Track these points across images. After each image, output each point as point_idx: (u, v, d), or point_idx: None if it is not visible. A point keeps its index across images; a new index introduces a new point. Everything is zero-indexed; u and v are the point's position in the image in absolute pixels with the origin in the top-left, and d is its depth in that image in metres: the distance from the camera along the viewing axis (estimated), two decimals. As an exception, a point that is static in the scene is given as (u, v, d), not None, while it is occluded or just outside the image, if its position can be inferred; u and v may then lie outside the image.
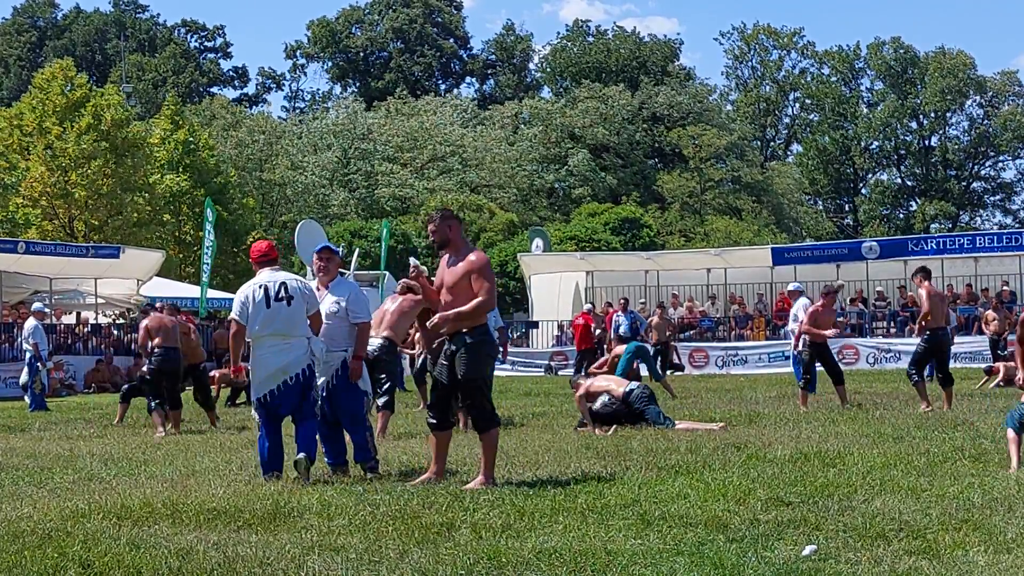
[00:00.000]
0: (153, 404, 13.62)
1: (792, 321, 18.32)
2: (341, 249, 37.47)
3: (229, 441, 11.98)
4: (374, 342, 11.96)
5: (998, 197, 74.32)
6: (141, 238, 35.05)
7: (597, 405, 12.08)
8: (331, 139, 58.41)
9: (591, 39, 73.95)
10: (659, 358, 23.90)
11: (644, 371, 19.86)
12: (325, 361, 8.52)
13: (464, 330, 7.88)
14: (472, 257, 7.96)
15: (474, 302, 7.85)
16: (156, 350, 13.66)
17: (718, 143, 61.48)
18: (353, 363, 8.60)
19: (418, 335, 14.51)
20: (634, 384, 12.40)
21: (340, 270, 9.20)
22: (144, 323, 14.11)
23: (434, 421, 8.14)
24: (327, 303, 8.66)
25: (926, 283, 14.19)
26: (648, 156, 66.40)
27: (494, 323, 13.62)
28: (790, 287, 19.59)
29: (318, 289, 8.82)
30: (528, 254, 36.24)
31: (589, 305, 29.21)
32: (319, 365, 8.50)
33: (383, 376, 11.99)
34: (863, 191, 74.63)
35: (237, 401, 18.90)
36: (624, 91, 64.20)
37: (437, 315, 7.95)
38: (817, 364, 15.08)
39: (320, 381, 8.55)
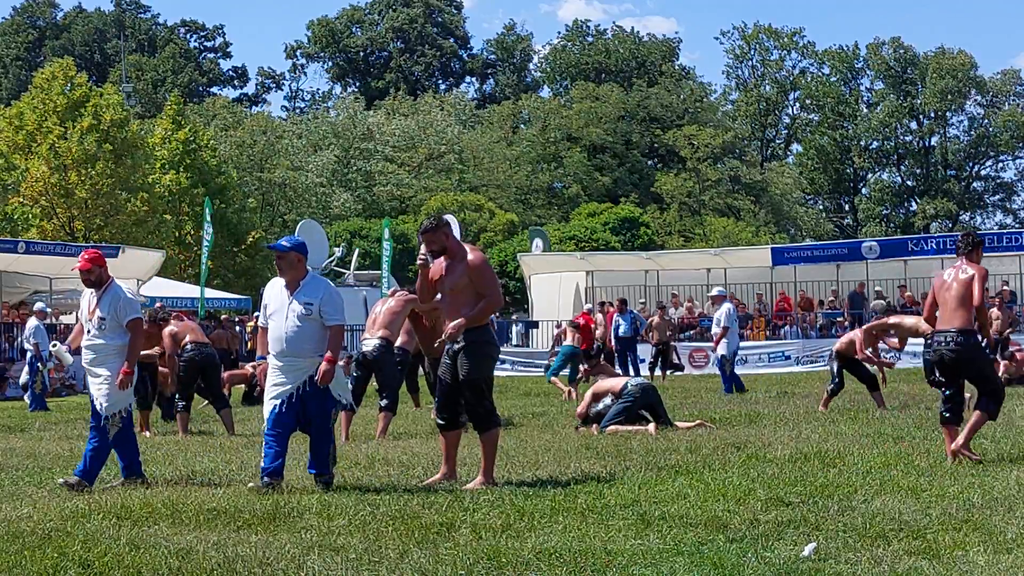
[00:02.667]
0: (180, 405, 13.44)
1: (716, 326, 18.60)
2: (341, 249, 37.54)
3: (229, 441, 11.99)
4: (371, 343, 11.99)
5: (998, 197, 74.30)
6: (141, 238, 35.04)
7: (600, 406, 12.06)
8: (331, 139, 58.46)
9: (590, 39, 73.97)
10: (660, 358, 23.99)
11: (646, 369, 19.92)
12: (296, 367, 7.88)
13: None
14: (471, 257, 7.97)
15: (482, 303, 7.87)
16: (188, 346, 13.44)
17: (715, 142, 61.51)
18: (325, 366, 7.82)
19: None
20: (633, 382, 12.34)
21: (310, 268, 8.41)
22: (168, 330, 13.76)
23: (442, 422, 8.14)
24: (295, 305, 7.91)
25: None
26: (645, 156, 66.39)
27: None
28: (713, 292, 19.82)
29: (287, 286, 7.99)
30: (528, 254, 36.24)
31: (589, 305, 29.21)
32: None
33: (384, 378, 12.03)
34: (863, 191, 74.61)
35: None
36: (615, 89, 64.18)
37: (451, 326, 7.89)
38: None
39: (287, 388, 7.88)
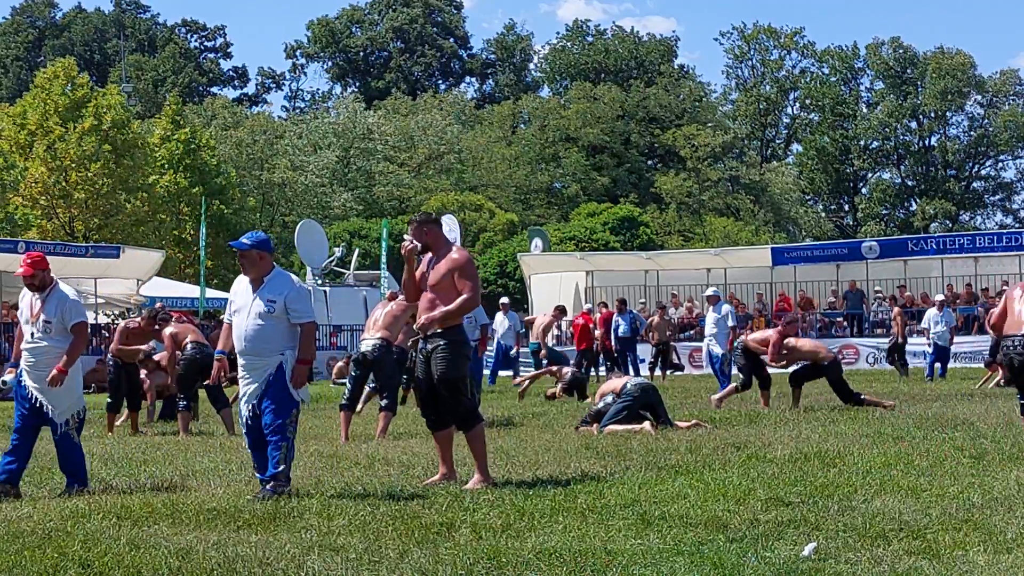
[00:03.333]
0: (182, 405, 13.35)
1: (713, 326, 18.82)
2: (341, 249, 37.55)
3: (229, 441, 11.99)
4: (370, 343, 12.04)
5: (998, 197, 74.23)
6: (140, 238, 35.05)
7: (600, 405, 12.06)
8: (331, 139, 58.47)
9: (590, 39, 73.92)
10: (660, 358, 24.02)
11: (652, 370, 19.86)
12: (256, 367, 7.73)
13: (439, 329, 7.91)
14: (454, 255, 8.01)
15: (459, 300, 7.89)
16: (189, 346, 13.37)
17: (714, 142, 61.50)
18: (298, 367, 7.70)
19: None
20: (633, 381, 12.30)
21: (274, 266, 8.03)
22: (168, 331, 13.65)
23: (429, 422, 8.17)
24: (257, 303, 7.75)
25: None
26: (644, 156, 66.37)
27: (479, 320, 13.78)
28: (708, 292, 20.08)
29: (251, 283, 7.84)
30: (528, 254, 36.25)
31: (589, 305, 29.21)
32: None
33: (383, 378, 12.06)
34: (863, 191, 74.59)
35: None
36: (612, 89, 64.14)
37: (423, 317, 7.95)
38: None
39: (253, 388, 7.73)
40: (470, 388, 8.28)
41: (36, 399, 8.11)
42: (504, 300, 24.58)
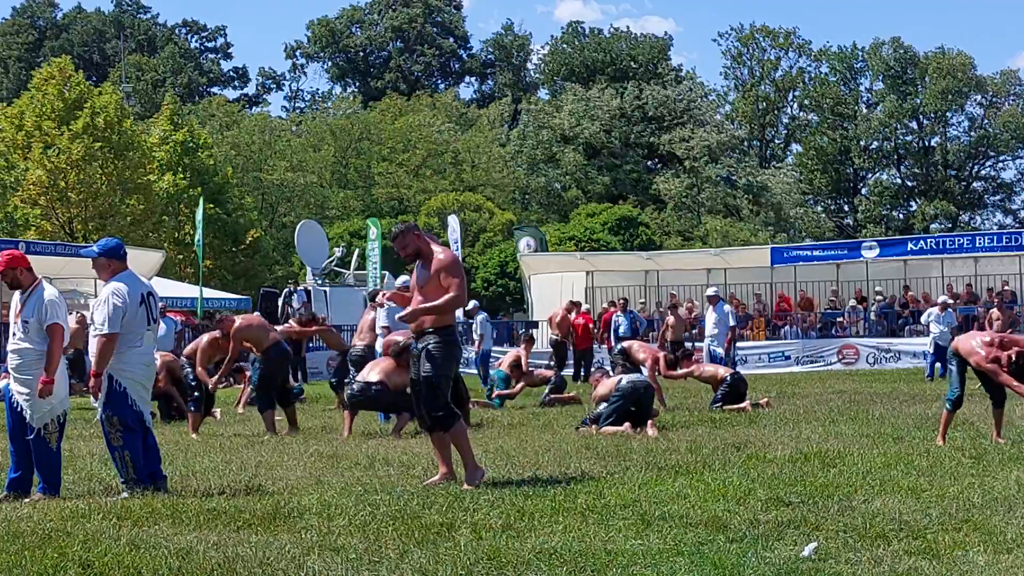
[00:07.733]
0: (262, 405, 13.04)
1: (714, 326, 19.01)
2: (341, 249, 37.56)
3: (229, 441, 11.99)
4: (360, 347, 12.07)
5: (998, 197, 74.23)
6: (139, 238, 35.02)
7: (599, 409, 11.99)
8: (329, 139, 58.46)
9: (586, 39, 73.87)
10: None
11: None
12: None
13: (430, 329, 7.93)
14: (440, 256, 8.06)
15: (445, 297, 7.91)
16: (272, 350, 12.95)
17: (715, 140, 61.46)
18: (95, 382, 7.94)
19: None
20: (627, 379, 12.14)
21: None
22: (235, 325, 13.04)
23: (426, 423, 8.18)
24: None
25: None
26: (642, 157, 66.33)
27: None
28: (709, 292, 20.21)
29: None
30: (528, 254, 36.21)
31: (587, 305, 29.21)
32: None
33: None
34: (863, 191, 74.57)
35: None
36: (606, 89, 64.08)
37: (408, 309, 8.00)
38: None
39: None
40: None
41: (17, 403, 7.94)
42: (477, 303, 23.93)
